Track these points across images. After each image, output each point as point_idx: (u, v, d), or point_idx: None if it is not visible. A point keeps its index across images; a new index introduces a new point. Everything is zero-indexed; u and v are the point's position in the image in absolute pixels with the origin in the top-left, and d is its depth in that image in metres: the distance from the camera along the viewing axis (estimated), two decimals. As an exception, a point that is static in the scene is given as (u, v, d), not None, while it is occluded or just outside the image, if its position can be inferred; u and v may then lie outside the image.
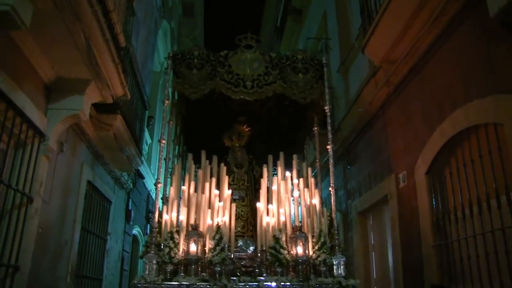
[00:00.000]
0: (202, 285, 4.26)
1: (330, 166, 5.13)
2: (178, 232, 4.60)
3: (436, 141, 4.78)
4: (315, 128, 5.76)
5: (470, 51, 4.21)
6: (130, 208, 8.86)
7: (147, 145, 10.45)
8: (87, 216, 6.20)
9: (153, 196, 11.54)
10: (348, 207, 7.85)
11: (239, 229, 5.48)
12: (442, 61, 4.76)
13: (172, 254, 4.39)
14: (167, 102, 5.05)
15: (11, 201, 3.98)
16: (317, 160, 5.76)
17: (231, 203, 5.16)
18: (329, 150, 5.16)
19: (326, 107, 5.27)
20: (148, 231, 10.90)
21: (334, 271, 4.55)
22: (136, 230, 10.13)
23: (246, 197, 5.94)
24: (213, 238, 4.51)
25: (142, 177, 9.77)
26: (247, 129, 6.25)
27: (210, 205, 4.94)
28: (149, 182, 10.88)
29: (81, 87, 4.58)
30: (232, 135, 6.23)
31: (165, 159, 5.03)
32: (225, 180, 5.29)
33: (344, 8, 8.67)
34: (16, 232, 3.97)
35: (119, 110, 5.85)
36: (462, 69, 4.35)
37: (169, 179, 5.29)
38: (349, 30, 8.25)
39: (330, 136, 5.22)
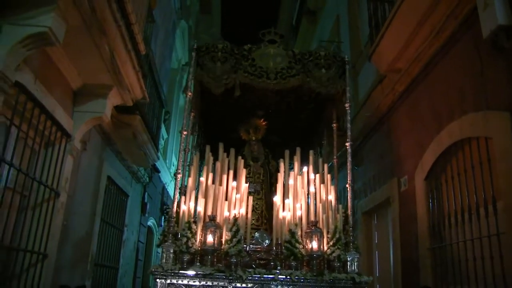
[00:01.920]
0: (218, 275, 4.28)
1: (348, 163, 5.13)
2: (195, 222, 4.60)
3: (434, 149, 5.07)
4: (334, 125, 5.74)
5: (465, 67, 4.50)
6: (146, 201, 9.28)
7: (163, 139, 10.84)
8: (106, 209, 6.62)
9: (168, 189, 11.97)
10: (354, 207, 8.15)
11: (253, 222, 5.54)
12: (441, 74, 5.05)
13: (190, 244, 4.40)
14: (189, 94, 5.02)
15: (41, 196, 4.39)
16: (335, 157, 5.79)
17: (248, 196, 5.18)
18: (347, 147, 5.16)
19: (346, 104, 5.25)
20: (163, 222, 11.36)
21: (348, 267, 4.56)
22: (151, 222, 10.53)
23: (262, 190, 6.01)
24: (230, 230, 4.51)
25: (157, 171, 10.15)
26: (263, 123, 6.28)
27: (227, 197, 4.93)
28: (164, 176, 11.28)
29: (104, 92, 4.96)
30: (249, 128, 6.25)
31: (184, 150, 5.03)
32: (243, 173, 5.28)
33: (355, 15, 8.92)
34: (45, 223, 4.39)
35: (137, 111, 6.22)
36: (458, 84, 4.64)
37: (187, 171, 5.36)
38: (359, 36, 8.50)
39: (349, 133, 5.22)
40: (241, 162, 5.38)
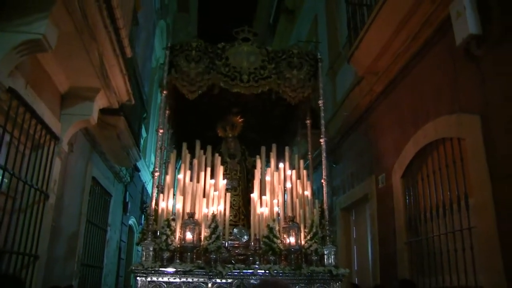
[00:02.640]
0: (198, 271, 4.35)
1: (322, 159, 5.23)
2: (174, 220, 4.64)
3: (410, 148, 5.32)
4: (308, 121, 5.85)
5: (440, 71, 4.75)
6: (127, 200, 9.35)
7: (142, 139, 10.89)
8: (91, 210, 6.70)
9: (148, 188, 12.03)
10: (333, 203, 8.41)
11: (231, 218, 5.52)
12: (417, 77, 5.29)
13: (169, 242, 4.43)
14: (164, 92, 5.07)
15: (31, 198, 4.46)
16: (309, 153, 5.89)
17: (225, 193, 5.21)
18: (322, 144, 5.26)
19: (320, 101, 5.35)
20: (143, 221, 11.43)
21: (325, 260, 4.67)
22: (131, 221, 10.59)
23: (239, 187, 6.05)
24: (209, 227, 4.56)
25: (138, 170, 10.22)
26: (240, 120, 6.33)
27: (205, 194, 4.99)
28: (144, 174, 11.33)
29: (91, 95, 5.05)
30: (226, 125, 6.32)
31: (161, 148, 5.07)
32: (220, 170, 5.33)
33: (333, 15, 9.07)
34: (36, 225, 4.47)
35: (122, 112, 6.31)
36: (433, 87, 4.88)
37: (163, 169, 5.45)
38: (338, 37, 8.69)
39: (323, 129, 5.31)
40: (218, 159, 5.43)
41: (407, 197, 5.43)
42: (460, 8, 4.07)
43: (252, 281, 4.43)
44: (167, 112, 5.43)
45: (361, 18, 6.15)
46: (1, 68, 3.39)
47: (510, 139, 3.58)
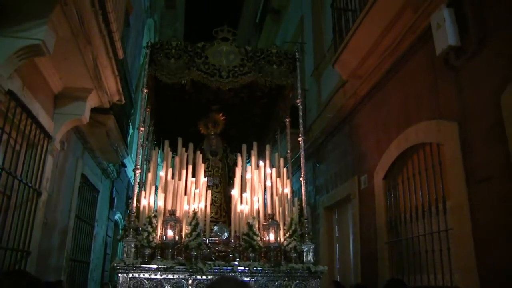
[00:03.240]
0: (179, 268, 4.40)
1: (301, 158, 5.32)
2: (155, 217, 4.69)
3: (392, 151, 5.53)
4: (287, 120, 5.93)
5: (421, 78, 4.96)
6: (114, 196, 9.46)
7: (129, 135, 10.97)
8: (80, 206, 6.81)
9: (132, 184, 12.13)
10: (316, 202, 8.62)
11: (212, 214, 5.61)
12: (400, 82, 5.49)
13: (151, 238, 4.49)
14: (145, 90, 5.12)
15: (24, 195, 4.58)
16: (288, 151, 6.00)
17: (207, 190, 5.26)
18: (300, 142, 5.37)
19: (298, 100, 5.48)
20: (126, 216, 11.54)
21: (304, 257, 4.75)
22: (117, 216, 10.69)
23: (220, 184, 6.15)
24: (190, 224, 4.61)
25: (124, 166, 10.31)
26: (222, 118, 6.42)
27: (187, 192, 5.04)
28: (130, 170, 11.41)
29: (83, 95, 5.18)
30: (208, 123, 6.39)
31: (142, 145, 5.11)
32: (201, 168, 5.39)
33: (318, 17, 9.21)
34: (29, 222, 4.59)
35: (112, 111, 6.43)
36: (415, 93, 5.09)
37: (145, 166, 5.60)
38: (323, 40, 8.85)
39: (301, 128, 5.41)
40: (199, 157, 5.52)
41: (388, 199, 5.63)
42: (440, 20, 4.27)
43: None
44: (148, 110, 5.49)
45: (346, 24, 6.33)
46: (1, 72, 3.50)
47: (485, 146, 3.80)
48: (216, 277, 4.22)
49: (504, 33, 3.70)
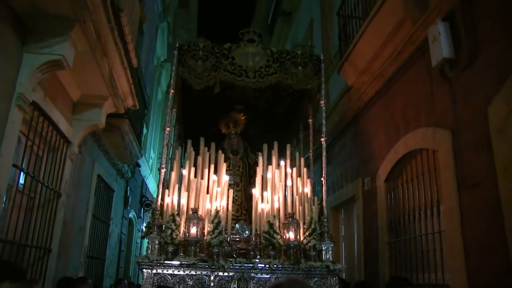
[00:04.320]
0: (201, 264, 4.53)
1: (323, 158, 5.44)
2: (179, 215, 4.82)
3: (392, 155, 5.78)
4: (310, 120, 6.08)
5: (419, 87, 5.20)
6: (128, 195, 9.81)
7: (143, 135, 11.31)
8: (96, 205, 7.17)
9: (147, 182, 12.49)
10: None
11: (233, 212, 5.68)
12: (400, 90, 5.74)
13: (174, 236, 4.59)
14: (172, 91, 5.24)
15: (46, 197, 4.93)
16: (310, 151, 6.10)
17: (228, 189, 5.39)
18: (322, 143, 5.49)
19: (322, 101, 5.62)
20: (142, 214, 11.93)
21: (323, 256, 4.86)
22: (131, 214, 11.05)
23: (241, 182, 6.27)
24: (212, 222, 4.73)
25: (138, 165, 10.65)
26: (243, 117, 6.50)
27: (209, 190, 5.17)
28: (144, 169, 11.77)
29: (100, 102, 5.49)
30: (229, 122, 6.48)
31: (167, 145, 5.24)
32: (223, 167, 5.51)
33: (326, 22, 9.46)
34: (50, 222, 4.95)
35: (126, 115, 6.75)
36: (414, 100, 5.33)
37: (169, 164, 5.69)
38: (330, 46, 9.08)
39: (324, 129, 5.54)
40: (221, 157, 5.68)
41: (389, 200, 5.89)
42: (436, 33, 4.51)
43: (252, 274, 4.65)
44: (173, 110, 5.60)
45: (350, 33, 6.58)
46: (26, 85, 3.83)
47: (474, 154, 4.04)
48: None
49: (494, 46, 3.93)
